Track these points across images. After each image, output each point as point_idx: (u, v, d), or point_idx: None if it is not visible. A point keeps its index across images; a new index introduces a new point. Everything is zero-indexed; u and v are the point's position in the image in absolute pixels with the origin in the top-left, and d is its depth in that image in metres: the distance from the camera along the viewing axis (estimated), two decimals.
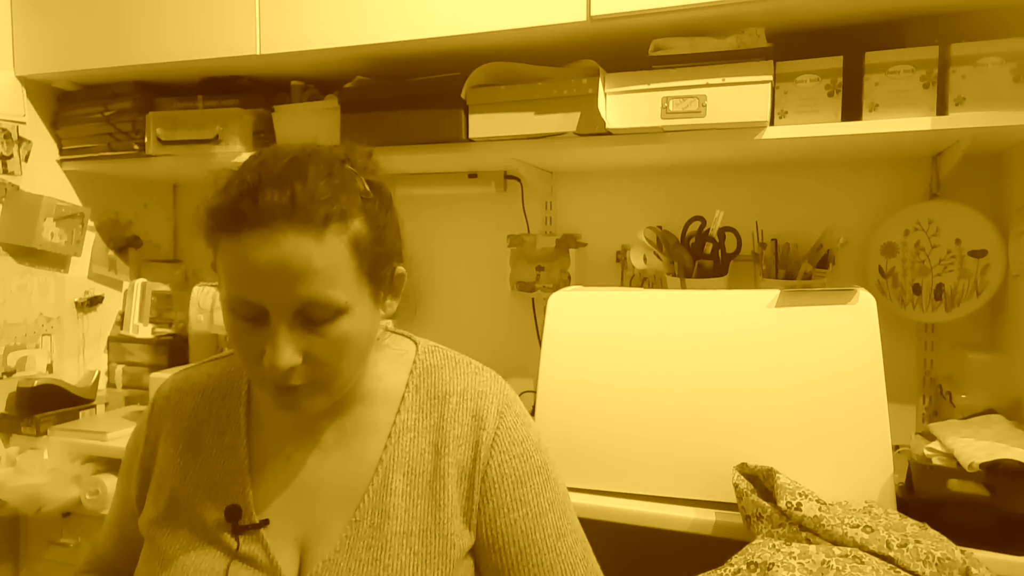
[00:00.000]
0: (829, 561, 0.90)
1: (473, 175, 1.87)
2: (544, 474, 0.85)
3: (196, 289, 1.84)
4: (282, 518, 0.81)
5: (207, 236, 0.74)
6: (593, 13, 1.33)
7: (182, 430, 0.88)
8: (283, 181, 0.70)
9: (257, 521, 0.80)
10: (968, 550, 0.95)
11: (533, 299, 1.84)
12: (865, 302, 1.18)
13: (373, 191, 0.76)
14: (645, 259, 1.58)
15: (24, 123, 1.82)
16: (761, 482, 1.09)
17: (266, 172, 0.71)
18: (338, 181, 0.73)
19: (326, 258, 0.71)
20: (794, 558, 0.91)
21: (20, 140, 1.80)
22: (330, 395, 0.78)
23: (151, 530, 0.84)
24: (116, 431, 1.64)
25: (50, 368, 1.87)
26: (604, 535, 0.98)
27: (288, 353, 0.71)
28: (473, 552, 0.82)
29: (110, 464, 1.64)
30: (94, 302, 1.98)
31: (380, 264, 0.77)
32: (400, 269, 0.81)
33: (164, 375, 1.69)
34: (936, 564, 0.90)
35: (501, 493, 0.82)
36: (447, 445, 0.82)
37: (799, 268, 1.46)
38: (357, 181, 0.75)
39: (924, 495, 1.10)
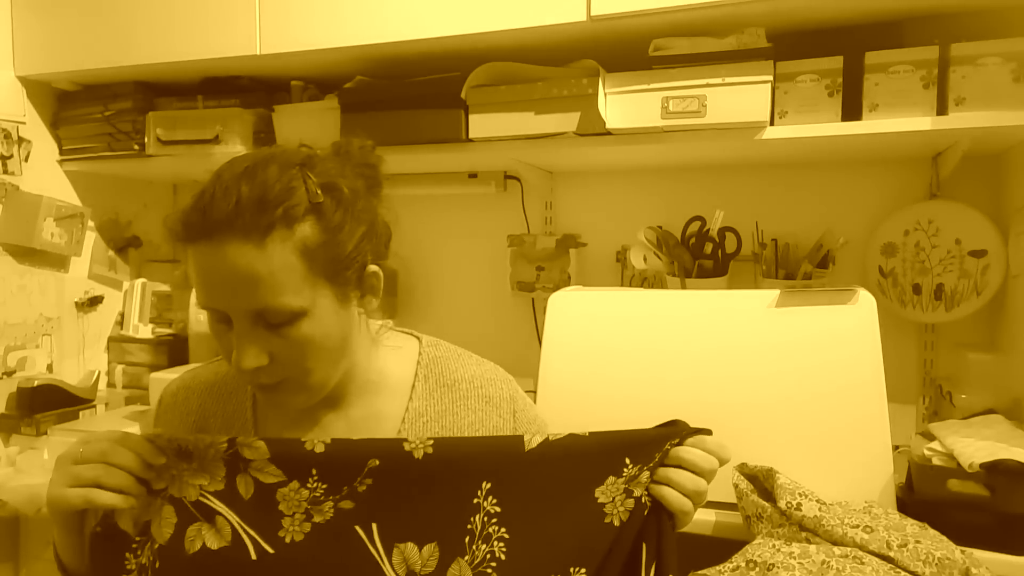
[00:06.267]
0: (829, 561, 0.90)
1: (473, 175, 1.87)
2: None
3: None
4: None
5: (176, 247, 0.77)
6: (593, 13, 1.33)
7: (190, 425, 0.89)
8: (230, 192, 0.72)
9: None
10: (968, 550, 0.95)
11: (533, 299, 1.84)
12: (865, 302, 1.17)
13: (327, 193, 0.75)
14: (645, 259, 1.58)
15: (24, 123, 1.81)
16: (761, 482, 1.09)
17: (219, 183, 0.73)
18: (284, 187, 0.73)
19: (269, 265, 0.71)
20: (794, 558, 0.91)
21: (20, 140, 1.80)
22: (310, 392, 0.80)
23: None
24: None
25: (50, 368, 1.87)
26: None
27: (250, 355, 0.74)
28: None
29: None
30: (94, 302, 1.98)
31: (341, 265, 0.77)
32: (372, 268, 0.81)
33: (164, 375, 1.70)
34: (936, 564, 0.90)
35: None
36: (462, 430, 0.87)
37: (799, 268, 1.46)
38: (307, 184, 0.74)
39: (924, 495, 1.10)
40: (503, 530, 0.74)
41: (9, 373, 1.77)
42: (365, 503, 0.74)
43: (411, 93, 1.52)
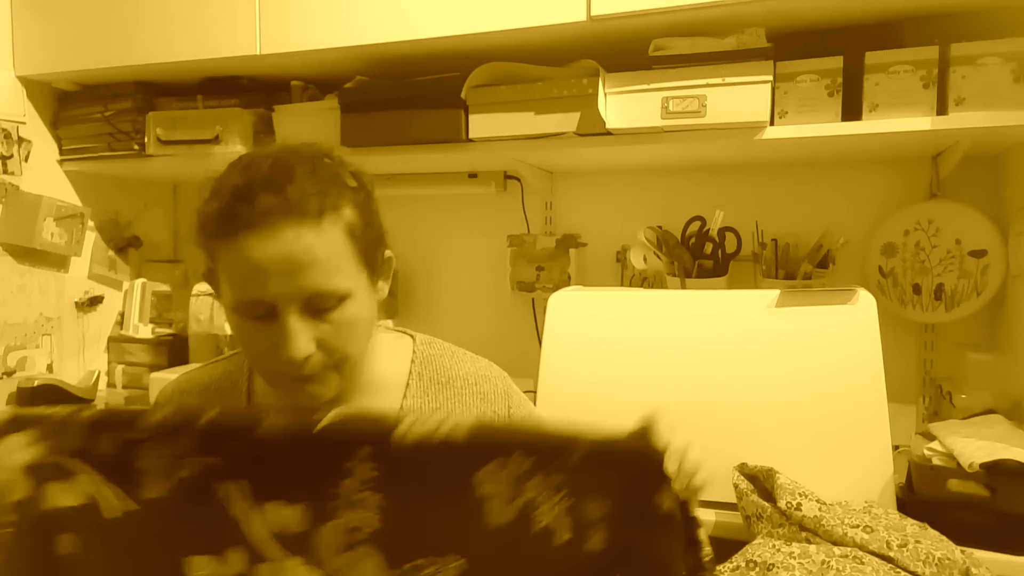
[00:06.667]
0: (829, 561, 0.90)
1: (473, 175, 1.86)
2: None
3: (196, 289, 1.84)
4: None
5: (204, 244, 0.76)
6: (593, 13, 1.33)
7: None
8: (273, 181, 0.73)
9: None
10: (968, 550, 0.95)
11: (533, 299, 1.84)
12: (865, 302, 1.18)
13: (356, 180, 0.79)
14: (645, 259, 1.58)
15: (24, 123, 1.81)
16: (761, 482, 1.09)
17: (254, 174, 0.74)
18: (324, 175, 0.76)
19: (326, 247, 0.74)
20: (794, 558, 0.91)
21: (20, 140, 1.80)
22: (342, 379, 0.81)
23: None
24: None
25: (50, 368, 1.87)
26: None
27: (302, 343, 0.74)
28: None
29: None
30: (94, 302, 1.98)
31: (372, 248, 0.80)
32: (388, 253, 0.84)
33: (164, 375, 1.70)
34: (936, 564, 0.90)
35: None
36: None
37: (799, 268, 1.46)
38: (341, 172, 0.78)
39: (924, 495, 1.10)
40: (379, 497, 0.71)
41: (9, 373, 1.77)
42: (234, 460, 0.72)
43: (411, 93, 1.52)
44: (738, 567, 0.93)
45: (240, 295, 0.75)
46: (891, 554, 0.91)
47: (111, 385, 1.99)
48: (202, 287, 1.83)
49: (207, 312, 1.78)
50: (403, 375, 0.90)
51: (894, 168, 1.58)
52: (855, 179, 1.61)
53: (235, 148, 1.70)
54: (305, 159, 0.77)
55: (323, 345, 0.76)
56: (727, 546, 1.02)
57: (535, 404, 1.29)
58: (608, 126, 1.38)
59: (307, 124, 1.66)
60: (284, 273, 0.72)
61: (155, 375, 1.71)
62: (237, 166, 0.77)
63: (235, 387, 0.91)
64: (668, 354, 1.24)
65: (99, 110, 1.82)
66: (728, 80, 1.30)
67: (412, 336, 0.96)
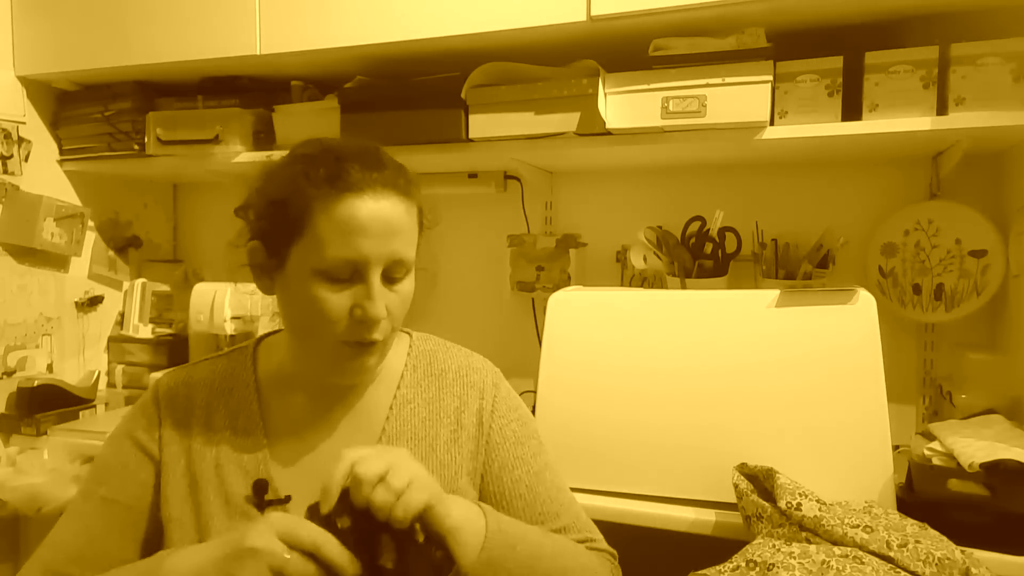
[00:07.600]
0: (829, 561, 0.90)
1: (473, 175, 1.86)
2: (537, 439, 0.97)
3: (196, 288, 1.84)
4: (301, 492, 0.85)
5: (294, 206, 0.80)
6: (593, 13, 1.33)
7: (194, 420, 0.91)
8: (369, 158, 0.82)
9: (282, 496, 0.85)
10: (968, 550, 0.95)
11: (533, 299, 1.84)
12: (865, 302, 1.17)
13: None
14: (645, 259, 1.58)
15: (24, 123, 1.81)
16: (761, 482, 1.09)
17: (351, 150, 0.83)
18: (398, 164, 0.86)
19: (410, 220, 0.84)
20: (794, 558, 0.91)
21: (20, 140, 1.80)
22: (384, 351, 0.88)
23: (171, 512, 0.86)
24: None
25: (50, 368, 1.87)
26: (604, 535, 0.98)
27: (381, 304, 0.82)
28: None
29: None
30: (94, 302, 1.98)
31: (418, 236, 0.89)
32: None
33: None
34: (936, 564, 0.90)
35: (504, 452, 0.93)
36: (448, 415, 0.93)
37: (799, 268, 1.46)
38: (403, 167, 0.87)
39: (924, 495, 1.10)
40: None
41: (9, 373, 1.77)
42: None
43: (411, 93, 1.52)
44: (738, 567, 0.93)
45: (334, 253, 0.79)
46: (891, 554, 0.91)
47: (111, 385, 1.99)
48: (204, 287, 1.82)
49: (207, 312, 1.78)
50: (399, 367, 0.95)
51: (894, 168, 1.58)
52: (855, 179, 1.61)
53: (235, 148, 1.70)
54: (381, 150, 0.86)
55: (389, 313, 0.83)
56: (727, 546, 1.02)
57: (535, 404, 1.29)
58: (608, 126, 1.38)
59: (307, 124, 1.66)
60: (381, 234, 0.80)
61: (155, 375, 1.70)
62: (321, 144, 0.84)
63: (241, 381, 0.93)
64: (668, 354, 1.24)
65: (99, 110, 1.83)
66: (728, 80, 1.30)
67: (409, 333, 1.00)
